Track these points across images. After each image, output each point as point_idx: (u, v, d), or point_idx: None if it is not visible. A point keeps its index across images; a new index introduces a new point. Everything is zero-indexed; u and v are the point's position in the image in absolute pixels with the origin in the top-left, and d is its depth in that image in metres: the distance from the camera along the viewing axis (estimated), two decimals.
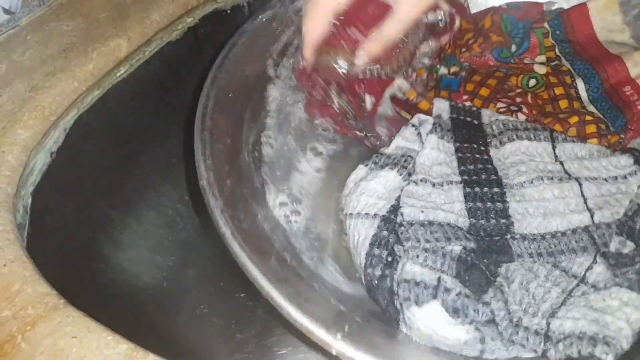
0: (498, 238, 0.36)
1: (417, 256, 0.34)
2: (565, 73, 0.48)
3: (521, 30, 0.51)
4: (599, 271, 0.34)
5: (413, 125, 0.43)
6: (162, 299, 0.53)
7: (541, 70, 0.48)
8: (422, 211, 0.37)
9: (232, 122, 0.42)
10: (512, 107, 0.45)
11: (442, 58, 0.51)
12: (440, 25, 0.45)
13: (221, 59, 0.44)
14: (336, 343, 0.28)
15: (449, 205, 0.38)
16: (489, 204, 0.38)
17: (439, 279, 0.33)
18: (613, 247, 0.35)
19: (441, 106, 0.44)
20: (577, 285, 0.34)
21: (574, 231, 0.36)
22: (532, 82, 0.47)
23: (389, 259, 0.35)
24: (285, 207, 0.41)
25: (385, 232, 0.36)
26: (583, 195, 0.37)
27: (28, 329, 0.30)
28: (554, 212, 0.37)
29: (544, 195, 0.38)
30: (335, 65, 0.41)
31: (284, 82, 0.47)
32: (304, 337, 0.29)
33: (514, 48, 0.50)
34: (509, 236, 0.36)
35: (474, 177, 0.39)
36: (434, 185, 0.39)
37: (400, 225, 0.36)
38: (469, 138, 0.42)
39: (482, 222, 0.37)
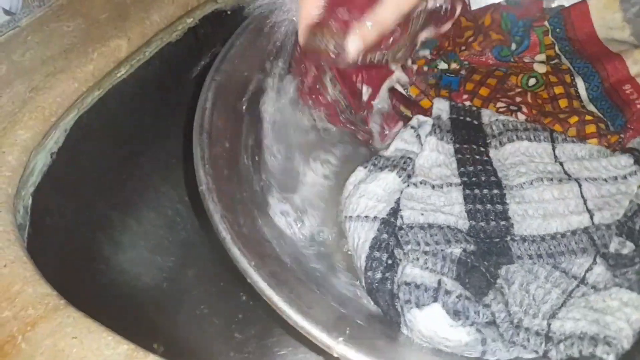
0: (498, 240, 0.36)
1: (418, 259, 0.34)
2: (565, 72, 0.47)
3: (521, 28, 0.50)
4: (599, 272, 0.34)
5: (412, 127, 0.43)
6: (162, 299, 0.53)
7: (541, 69, 0.48)
8: (422, 214, 0.37)
9: (230, 125, 0.42)
10: (512, 107, 0.45)
11: (442, 54, 0.51)
12: (441, 12, 0.44)
13: (219, 61, 0.44)
14: (337, 346, 0.28)
15: (449, 207, 0.38)
16: (488, 206, 0.38)
17: (439, 282, 0.33)
18: (613, 248, 0.35)
19: (441, 106, 0.44)
20: (577, 286, 0.34)
21: (573, 232, 0.36)
22: (532, 81, 0.47)
23: (389, 261, 0.35)
24: (287, 214, 0.41)
25: (385, 235, 0.36)
26: (583, 196, 0.37)
27: (28, 329, 0.30)
28: (554, 214, 0.37)
29: (543, 197, 0.38)
30: (326, 48, 0.39)
31: (285, 85, 0.47)
32: (303, 338, 0.29)
33: (514, 46, 0.50)
34: (508, 238, 0.36)
35: (474, 179, 0.39)
36: (433, 187, 0.39)
37: (400, 228, 0.36)
38: (468, 139, 0.42)
39: (482, 224, 0.37)
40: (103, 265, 0.49)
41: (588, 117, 0.43)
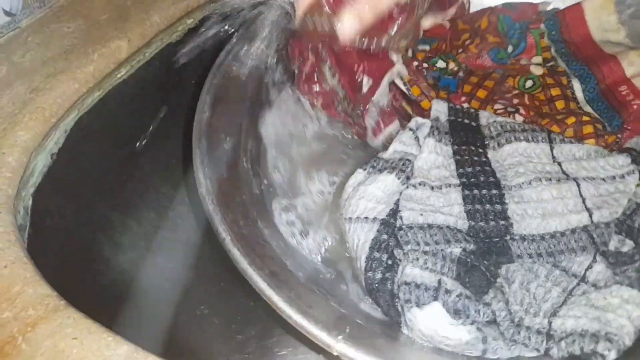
0: (497, 239, 0.36)
1: (417, 259, 0.34)
2: (562, 74, 0.48)
3: (517, 30, 0.51)
4: (599, 270, 0.34)
5: (410, 129, 0.43)
6: (163, 300, 0.53)
7: (537, 71, 0.49)
8: (421, 214, 0.37)
9: (229, 129, 0.42)
10: (510, 109, 0.45)
11: (441, 54, 0.51)
12: None
13: (218, 64, 0.44)
14: (337, 345, 0.28)
15: (448, 208, 0.38)
16: (487, 206, 0.38)
17: (439, 281, 0.33)
18: (612, 246, 0.35)
19: (439, 108, 0.44)
20: (578, 284, 0.34)
21: (573, 231, 0.36)
22: (529, 83, 0.47)
23: (389, 262, 0.35)
24: (290, 220, 0.41)
25: (385, 236, 0.36)
26: (581, 196, 0.37)
27: (29, 330, 0.30)
28: (553, 213, 0.37)
29: (542, 196, 0.38)
30: (322, 28, 0.39)
31: (285, 91, 0.47)
32: (304, 338, 0.29)
33: (510, 49, 0.51)
34: (508, 237, 0.36)
35: (473, 180, 0.40)
36: (432, 188, 0.39)
37: (400, 228, 0.36)
38: (466, 140, 0.42)
39: (481, 224, 0.37)
40: (103, 265, 0.49)
41: (585, 118, 0.43)
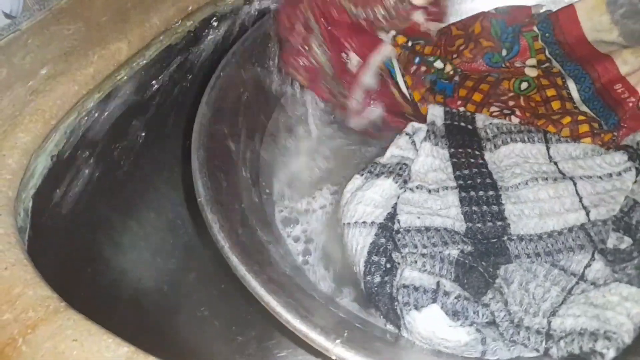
0: (495, 240, 0.37)
1: (416, 262, 0.35)
2: (556, 74, 0.48)
3: (510, 34, 0.51)
4: (598, 268, 0.34)
5: (407, 134, 0.43)
6: (163, 301, 0.54)
7: (532, 73, 0.49)
8: (419, 217, 0.37)
9: (229, 137, 0.42)
10: (505, 111, 0.45)
11: (438, 57, 0.51)
12: None
13: (215, 78, 0.45)
14: (335, 348, 0.28)
15: (445, 210, 0.38)
16: (484, 207, 0.38)
17: (437, 283, 0.33)
18: (610, 243, 0.35)
19: (435, 112, 0.45)
20: (577, 283, 0.34)
21: (570, 230, 0.36)
22: (524, 85, 0.48)
23: (388, 265, 0.36)
24: (290, 227, 0.41)
25: (383, 240, 0.36)
26: (578, 194, 0.37)
27: (29, 332, 0.30)
28: (550, 212, 0.37)
29: (539, 196, 0.38)
30: None
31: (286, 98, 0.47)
32: (303, 341, 0.29)
33: (504, 52, 0.51)
34: (505, 238, 0.36)
35: (469, 182, 0.40)
36: (429, 191, 0.39)
37: (398, 232, 0.36)
38: (463, 143, 0.43)
39: (479, 225, 0.37)
40: (103, 267, 0.49)
41: (581, 117, 0.43)
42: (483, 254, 0.36)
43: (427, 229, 0.36)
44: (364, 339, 0.30)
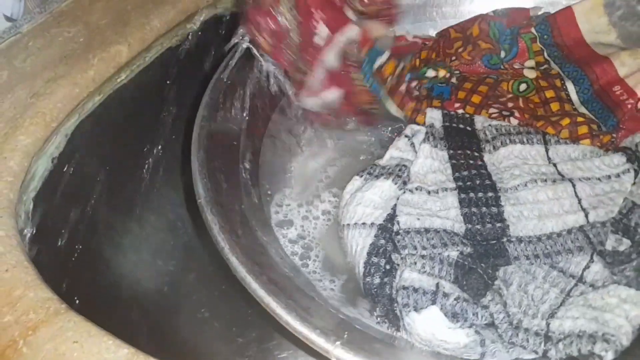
0: (494, 242, 0.37)
1: (415, 263, 0.35)
2: (555, 76, 0.48)
3: (509, 36, 0.51)
4: (597, 270, 0.34)
5: (406, 136, 0.43)
6: (163, 303, 0.54)
7: (531, 74, 0.49)
8: (418, 219, 0.37)
9: (228, 139, 0.42)
10: (504, 112, 0.45)
11: (432, 63, 0.51)
12: None
13: (215, 79, 0.45)
14: (335, 350, 0.28)
15: (445, 211, 0.38)
16: (484, 209, 0.38)
17: (437, 285, 0.33)
18: (609, 245, 0.36)
19: (433, 115, 0.45)
20: (576, 284, 0.34)
21: (569, 231, 0.36)
22: (523, 86, 0.48)
23: (388, 267, 0.36)
24: (287, 229, 0.41)
25: (382, 241, 0.37)
26: (577, 196, 0.38)
27: (30, 333, 0.30)
28: (549, 214, 0.37)
29: (538, 198, 0.38)
30: None
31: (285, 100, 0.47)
32: (303, 342, 0.29)
33: (503, 54, 0.51)
34: (505, 239, 0.37)
35: (469, 183, 0.40)
36: (429, 192, 0.39)
37: (397, 233, 0.36)
38: (462, 145, 0.43)
39: (478, 226, 0.37)
40: (104, 269, 0.50)
41: (580, 119, 0.43)
42: (482, 256, 0.36)
43: (427, 230, 0.36)
44: (363, 340, 0.30)
